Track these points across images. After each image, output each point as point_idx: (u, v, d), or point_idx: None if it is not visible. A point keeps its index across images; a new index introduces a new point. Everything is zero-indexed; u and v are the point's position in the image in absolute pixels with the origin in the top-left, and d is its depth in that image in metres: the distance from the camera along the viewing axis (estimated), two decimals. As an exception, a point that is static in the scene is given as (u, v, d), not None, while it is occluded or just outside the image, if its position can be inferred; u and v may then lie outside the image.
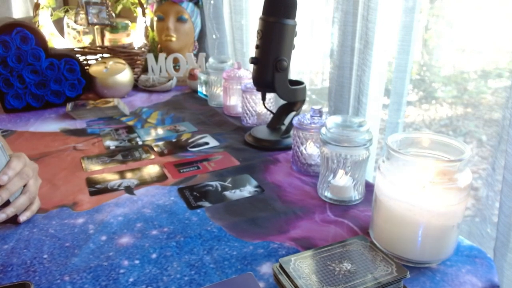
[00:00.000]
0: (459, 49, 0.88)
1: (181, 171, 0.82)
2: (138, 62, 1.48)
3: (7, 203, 0.60)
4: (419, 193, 0.49)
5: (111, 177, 0.79)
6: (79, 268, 0.53)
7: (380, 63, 0.89)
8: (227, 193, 0.73)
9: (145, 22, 1.52)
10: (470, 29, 0.83)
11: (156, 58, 1.48)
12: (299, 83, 0.91)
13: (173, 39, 1.51)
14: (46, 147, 0.95)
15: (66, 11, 1.52)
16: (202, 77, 1.34)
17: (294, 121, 0.79)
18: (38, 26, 1.41)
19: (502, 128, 0.67)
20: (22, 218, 0.63)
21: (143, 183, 0.77)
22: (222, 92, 1.20)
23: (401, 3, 0.83)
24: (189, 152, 0.92)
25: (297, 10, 0.82)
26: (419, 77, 0.97)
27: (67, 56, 1.21)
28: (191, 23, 1.55)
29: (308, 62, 1.32)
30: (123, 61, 1.36)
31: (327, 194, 0.70)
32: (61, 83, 1.21)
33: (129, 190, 0.74)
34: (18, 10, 2.13)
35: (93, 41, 1.53)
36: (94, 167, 0.84)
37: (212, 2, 1.51)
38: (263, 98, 0.92)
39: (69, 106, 1.18)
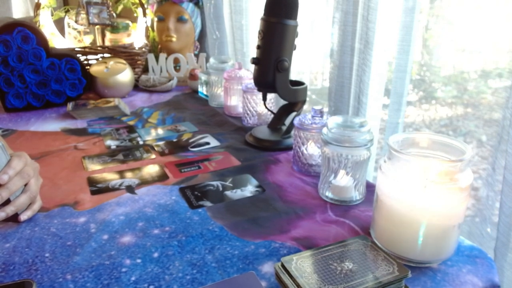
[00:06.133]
0: (459, 49, 0.88)
1: (182, 170, 0.82)
2: (139, 62, 1.48)
3: (7, 202, 0.60)
4: (421, 193, 0.50)
5: (112, 177, 0.79)
6: (81, 267, 0.54)
7: (380, 63, 0.89)
8: (228, 192, 0.73)
9: (145, 22, 1.52)
10: (470, 29, 0.83)
11: (157, 58, 1.48)
12: (300, 83, 0.91)
13: (174, 39, 1.51)
14: (47, 147, 0.95)
15: (67, 11, 1.52)
16: (203, 77, 1.34)
17: (295, 121, 0.79)
18: (39, 26, 1.41)
19: (502, 128, 0.67)
20: (23, 217, 0.63)
21: (144, 182, 0.77)
22: (222, 92, 1.21)
23: (401, 3, 0.83)
24: (190, 152, 0.92)
25: (298, 11, 0.82)
26: (419, 77, 0.97)
27: (68, 56, 1.21)
28: (191, 23, 1.55)
29: (308, 62, 1.32)
30: (124, 61, 1.37)
31: (328, 194, 0.70)
32: (61, 82, 1.21)
33: (130, 189, 0.74)
34: (18, 10, 2.13)
35: (94, 41, 1.53)
36: (95, 167, 0.84)
37: (212, 2, 1.51)
38: (264, 99, 0.92)
39: (69, 105, 1.18)
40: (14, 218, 0.63)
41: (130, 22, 1.56)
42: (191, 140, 0.98)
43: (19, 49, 1.14)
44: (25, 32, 1.13)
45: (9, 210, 0.60)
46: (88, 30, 1.52)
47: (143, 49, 1.47)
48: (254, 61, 0.86)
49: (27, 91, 1.18)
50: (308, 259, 0.50)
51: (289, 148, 0.90)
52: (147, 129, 1.06)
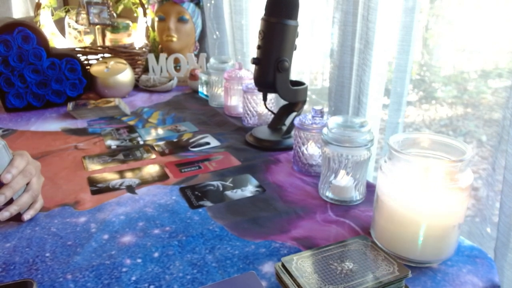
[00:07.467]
0: (459, 49, 0.88)
1: (182, 170, 0.82)
2: (139, 62, 1.48)
3: (10, 201, 0.60)
4: (421, 193, 0.50)
5: (112, 177, 0.79)
6: (81, 267, 0.54)
7: (380, 63, 0.89)
8: (228, 192, 0.73)
9: (146, 22, 1.52)
10: (470, 29, 0.84)
11: (157, 58, 1.48)
12: (300, 83, 0.91)
13: (174, 39, 1.52)
14: (48, 147, 0.95)
15: (67, 11, 1.52)
16: (203, 77, 1.34)
17: (296, 122, 0.79)
18: (39, 25, 1.41)
19: (502, 128, 0.67)
20: (26, 216, 0.63)
21: (144, 182, 0.77)
22: (223, 92, 1.21)
23: (401, 3, 0.83)
24: (190, 152, 0.92)
25: (298, 11, 0.82)
26: (419, 77, 0.98)
27: (68, 56, 1.21)
28: (192, 23, 1.55)
29: (308, 62, 1.32)
30: (124, 61, 1.37)
31: (328, 194, 0.70)
32: (62, 82, 1.21)
33: (130, 189, 0.74)
34: (18, 10, 2.13)
35: (94, 41, 1.53)
36: (95, 167, 0.84)
37: (212, 2, 1.51)
38: (264, 99, 0.92)
39: (70, 105, 1.18)
40: (17, 218, 0.63)
41: (130, 22, 1.56)
42: (191, 140, 0.98)
43: (19, 49, 1.14)
44: (25, 32, 1.13)
45: (13, 209, 0.61)
46: (88, 30, 1.52)
47: (144, 49, 1.47)
48: (255, 61, 0.86)
49: (28, 91, 1.18)
50: (309, 259, 0.50)
51: (289, 148, 0.90)
52: (147, 129, 1.06)
